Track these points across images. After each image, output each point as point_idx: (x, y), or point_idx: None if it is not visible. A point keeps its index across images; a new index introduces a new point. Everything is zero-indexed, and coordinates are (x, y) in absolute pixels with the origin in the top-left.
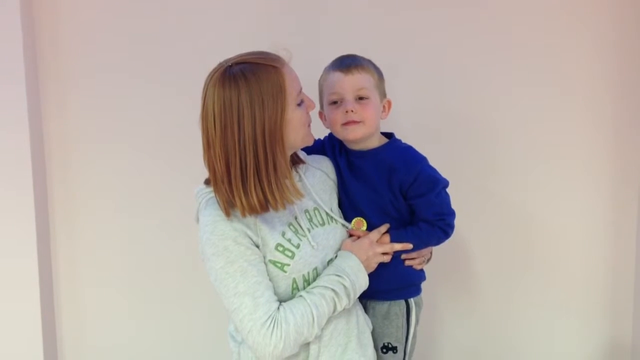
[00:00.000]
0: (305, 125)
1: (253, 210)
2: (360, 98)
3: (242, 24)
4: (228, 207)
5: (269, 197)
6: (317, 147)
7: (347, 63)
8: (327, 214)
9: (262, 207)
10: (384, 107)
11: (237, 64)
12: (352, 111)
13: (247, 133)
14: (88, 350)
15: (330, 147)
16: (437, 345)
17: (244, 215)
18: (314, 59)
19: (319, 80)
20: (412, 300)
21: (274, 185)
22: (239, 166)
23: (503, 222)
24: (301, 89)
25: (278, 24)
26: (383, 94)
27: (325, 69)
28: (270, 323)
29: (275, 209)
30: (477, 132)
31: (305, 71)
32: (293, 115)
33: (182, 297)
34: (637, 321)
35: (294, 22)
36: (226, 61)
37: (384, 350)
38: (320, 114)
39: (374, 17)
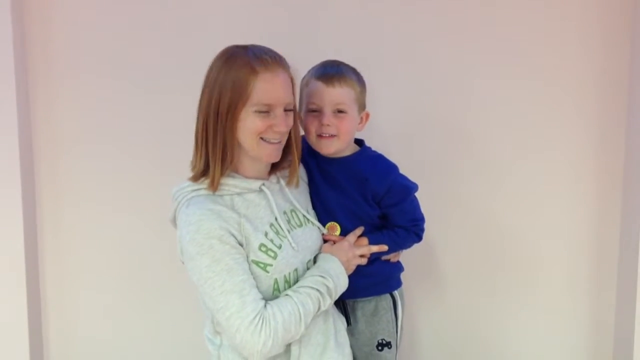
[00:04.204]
0: (255, 134)
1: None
2: (339, 111)
3: (236, 25)
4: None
5: (210, 166)
6: None
7: (330, 74)
8: (304, 215)
9: (204, 173)
10: (361, 118)
11: (242, 47)
12: (327, 125)
13: (203, 103)
14: (74, 349)
15: None
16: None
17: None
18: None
19: (301, 82)
20: (396, 293)
21: (217, 157)
22: (196, 128)
23: (484, 223)
24: (277, 104)
25: (272, 22)
26: (362, 107)
27: (309, 72)
28: (259, 320)
29: (212, 187)
30: (456, 132)
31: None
32: (245, 119)
33: (167, 296)
34: (618, 326)
35: (286, 22)
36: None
37: (380, 347)
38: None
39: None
